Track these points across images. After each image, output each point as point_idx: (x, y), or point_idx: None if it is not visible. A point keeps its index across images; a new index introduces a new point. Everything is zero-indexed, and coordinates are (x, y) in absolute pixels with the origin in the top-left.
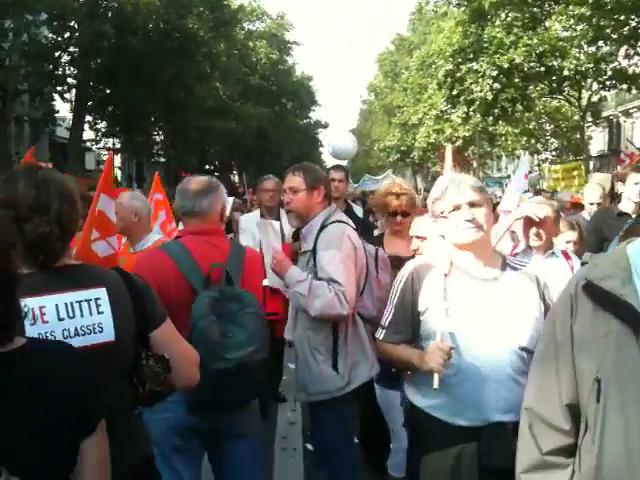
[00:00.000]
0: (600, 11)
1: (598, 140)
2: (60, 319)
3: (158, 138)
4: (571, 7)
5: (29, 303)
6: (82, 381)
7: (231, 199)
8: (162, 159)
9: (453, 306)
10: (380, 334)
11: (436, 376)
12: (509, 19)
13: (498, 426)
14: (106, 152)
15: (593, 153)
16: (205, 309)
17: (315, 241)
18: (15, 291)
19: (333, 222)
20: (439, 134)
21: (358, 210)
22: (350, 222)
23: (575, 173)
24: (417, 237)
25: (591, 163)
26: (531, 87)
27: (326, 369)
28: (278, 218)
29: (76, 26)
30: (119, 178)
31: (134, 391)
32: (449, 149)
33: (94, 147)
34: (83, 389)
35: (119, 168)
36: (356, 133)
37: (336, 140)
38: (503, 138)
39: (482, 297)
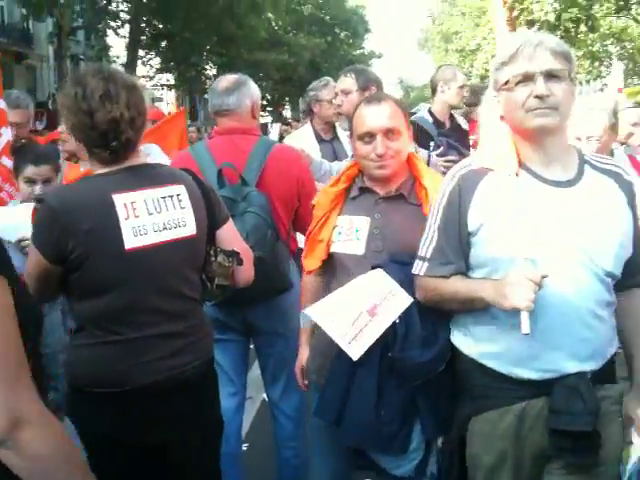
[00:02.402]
0: None
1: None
2: (150, 214)
3: (210, 73)
4: None
5: (120, 199)
6: None
7: (277, 125)
8: None
9: (525, 221)
10: (421, 268)
11: (525, 316)
12: None
13: (576, 378)
14: (160, 88)
15: None
16: None
17: None
18: None
19: None
20: None
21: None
22: None
23: (639, 98)
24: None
25: None
26: (596, 6)
27: None
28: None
29: None
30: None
31: (203, 286)
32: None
33: (148, 84)
34: None
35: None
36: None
37: None
38: None
39: (556, 207)
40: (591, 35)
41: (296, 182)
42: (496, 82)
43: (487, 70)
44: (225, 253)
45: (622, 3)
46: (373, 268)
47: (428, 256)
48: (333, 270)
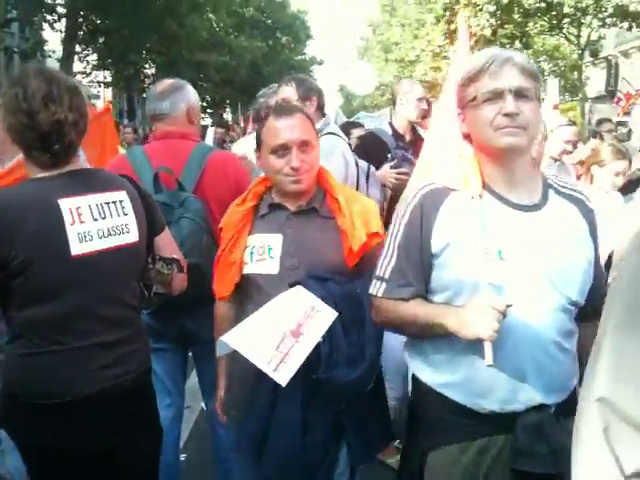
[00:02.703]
0: None
1: (595, 81)
2: (94, 219)
3: (149, 72)
4: None
5: (65, 204)
6: None
7: (212, 129)
8: None
9: (489, 244)
10: (378, 289)
11: (488, 346)
12: None
13: (539, 414)
14: (96, 85)
15: (591, 94)
16: None
17: None
18: None
19: (326, 134)
20: (436, 72)
21: None
22: (343, 136)
23: (571, 114)
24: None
25: (587, 105)
26: (530, 24)
27: None
28: None
29: None
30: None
31: (141, 294)
32: (462, 19)
33: (84, 80)
34: None
35: (110, 103)
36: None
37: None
38: None
39: (521, 231)
40: (525, 52)
41: (235, 187)
42: (461, 98)
43: (426, 81)
44: (164, 260)
45: (555, 22)
46: (291, 286)
47: (386, 276)
48: (248, 293)
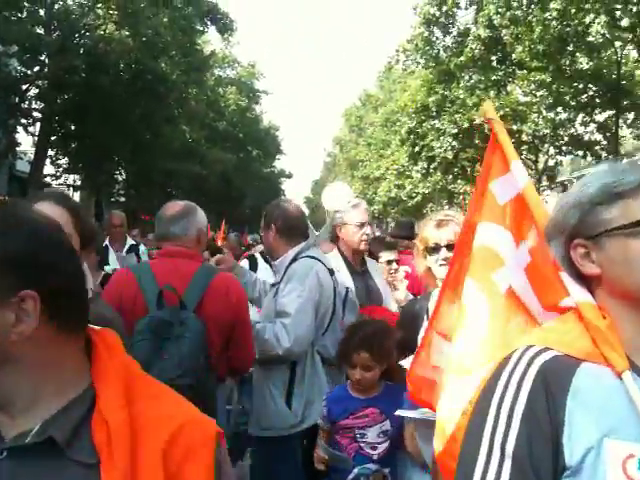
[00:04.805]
0: (560, 79)
1: (553, 205)
2: None
3: (120, 177)
4: (533, 73)
5: None
6: None
7: None
8: (122, 199)
9: None
10: None
11: None
12: (473, 81)
13: None
14: (66, 188)
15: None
16: (143, 327)
17: (283, 274)
18: None
19: (304, 257)
20: (400, 189)
21: None
22: (324, 259)
23: None
24: None
25: None
26: None
27: (280, 405)
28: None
29: (46, 60)
30: None
31: None
32: (499, 126)
33: (54, 183)
34: None
35: None
36: (319, 184)
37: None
38: (461, 197)
39: None
40: None
41: (234, 311)
42: (588, 225)
43: (389, 198)
44: None
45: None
46: None
47: None
48: None
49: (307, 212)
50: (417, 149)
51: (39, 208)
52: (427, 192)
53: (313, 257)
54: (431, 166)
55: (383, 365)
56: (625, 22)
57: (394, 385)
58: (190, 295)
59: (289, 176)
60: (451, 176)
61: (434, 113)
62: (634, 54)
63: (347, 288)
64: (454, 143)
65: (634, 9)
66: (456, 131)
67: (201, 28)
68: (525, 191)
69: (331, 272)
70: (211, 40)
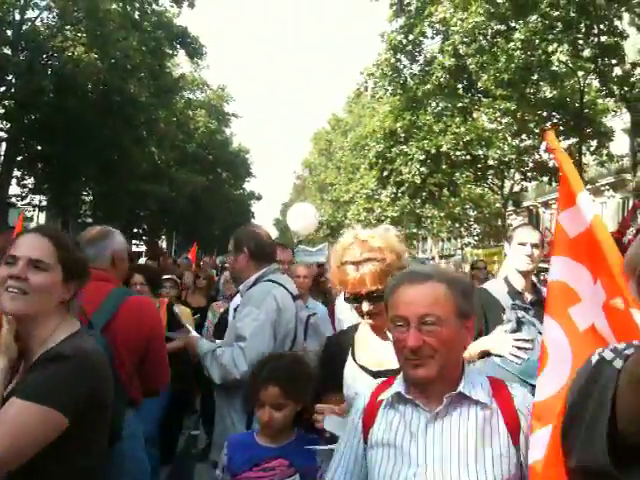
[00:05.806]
0: (525, 106)
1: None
2: None
3: (87, 198)
4: (498, 101)
5: None
6: None
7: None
8: (89, 220)
9: None
10: None
11: None
12: (439, 108)
13: None
14: (31, 209)
15: None
16: None
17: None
18: None
19: (264, 281)
20: (369, 212)
21: None
22: (287, 283)
23: (495, 258)
24: None
25: None
26: (457, 174)
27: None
28: None
29: (13, 80)
30: None
31: None
32: (563, 155)
33: (20, 203)
34: None
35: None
36: (288, 207)
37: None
38: (429, 220)
39: None
40: (452, 199)
41: (147, 334)
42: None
43: (359, 220)
44: None
45: (480, 174)
46: None
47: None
48: None
49: (276, 234)
50: (385, 173)
51: (26, 239)
52: (396, 215)
53: (274, 281)
54: (399, 190)
55: (297, 405)
56: (587, 52)
57: (308, 435)
58: (97, 318)
59: (259, 198)
60: (419, 200)
61: (402, 139)
62: (596, 84)
63: (310, 314)
64: (422, 168)
65: (595, 40)
66: (424, 157)
67: (170, 51)
68: (593, 225)
69: (294, 297)
70: (180, 63)
